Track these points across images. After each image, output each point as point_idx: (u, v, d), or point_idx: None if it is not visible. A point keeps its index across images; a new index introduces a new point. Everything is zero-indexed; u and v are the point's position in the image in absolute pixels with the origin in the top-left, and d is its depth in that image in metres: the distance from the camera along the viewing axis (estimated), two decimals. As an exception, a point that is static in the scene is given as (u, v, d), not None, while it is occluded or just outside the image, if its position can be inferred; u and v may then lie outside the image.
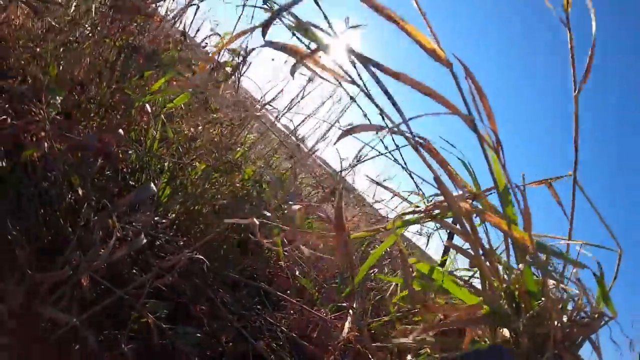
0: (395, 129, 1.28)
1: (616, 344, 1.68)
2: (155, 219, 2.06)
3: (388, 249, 3.57)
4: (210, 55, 2.93)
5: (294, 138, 3.71)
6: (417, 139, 1.36)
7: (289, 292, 2.49)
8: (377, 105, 1.28)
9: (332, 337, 2.05)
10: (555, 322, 1.47)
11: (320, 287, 2.79)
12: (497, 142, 1.43)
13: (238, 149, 3.02)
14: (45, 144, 1.58)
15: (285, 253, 2.76)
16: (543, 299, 1.50)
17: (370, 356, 1.91)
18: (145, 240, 1.37)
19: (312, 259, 3.08)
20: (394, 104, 1.27)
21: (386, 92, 1.26)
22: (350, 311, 1.91)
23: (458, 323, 1.53)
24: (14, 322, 1.31)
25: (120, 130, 1.87)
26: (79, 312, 1.37)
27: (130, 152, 2.22)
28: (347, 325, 1.83)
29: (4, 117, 1.64)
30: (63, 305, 1.35)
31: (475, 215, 1.47)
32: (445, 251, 4.32)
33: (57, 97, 1.68)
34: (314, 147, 3.56)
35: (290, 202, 3.02)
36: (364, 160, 3.73)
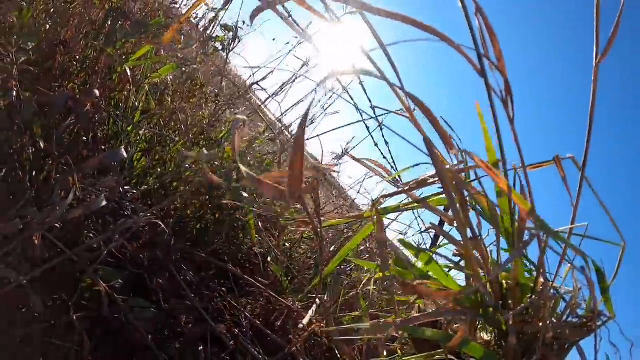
0: (380, 77, 1.17)
1: (615, 347, 1.57)
2: (126, 187, 1.97)
3: (368, 246, 3.51)
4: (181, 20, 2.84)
5: (279, 124, 3.62)
6: (406, 91, 1.24)
7: (260, 279, 2.41)
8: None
9: (297, 327, 1.98)
10: (547, 321, 1.37)
11: (293, 277, 2.71)
12: (506, 89, 1.30)
13: (222, 127, 2.93)
14: (14, 92, 1.48)
15: (259, 238, 2.69)
16: (534, 295, 1.40)
17: (336, 351, 1.83)
18: (105, 203, 1.27)
19: (287, 247, 3.01)
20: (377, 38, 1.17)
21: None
22: (317, 301, 1.83)
23: (436, 314, 1.43)
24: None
25: (96, 91, 1.77)
26: (28, 272, 1.28)
27: (105, 115, 2.12)
28: (309, 313, 1.75)
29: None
30: (11, 261, 1.26)
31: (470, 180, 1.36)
32: (434, 243, 4.26)
33: (29, 43, 1.58)
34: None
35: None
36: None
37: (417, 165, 1.72)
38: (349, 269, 3.32)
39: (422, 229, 4.25)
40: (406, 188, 1.50)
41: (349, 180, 4.32)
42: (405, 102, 1.27)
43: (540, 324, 1.38)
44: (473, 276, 1.39)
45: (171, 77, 2.73)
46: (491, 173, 1.34)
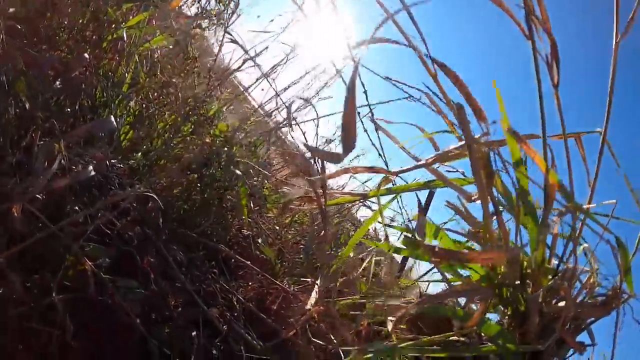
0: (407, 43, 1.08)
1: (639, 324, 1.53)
2: (113, 161, 1.85)
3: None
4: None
5: (260, 110, 3.51)
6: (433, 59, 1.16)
7: (249, 262, 2.31)
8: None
9: (294, 311, 1.89)
10: (570, 301, 1.31)
11: (283, 260, 2.63)
12: (552, 53, 1.21)
13: (213, 104, 2.82)
14: (-1, 51, 1.36)
15: (250, 220, 2.61)
16: (556, 275, 1.34)
17: (332, 336, 1.76)
18: (93, 173, 1.16)
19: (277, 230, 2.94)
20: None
21: None
22: (317, 284, 1.74)
23: (455, 293, 1.37)
24: None
25: (86, 55, 1.66)
26: (6, 249, 1.17)
27: (94, 83, 2.00)
28: (313, 297, 1.66)
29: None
30: (-13, 236, 1.15)
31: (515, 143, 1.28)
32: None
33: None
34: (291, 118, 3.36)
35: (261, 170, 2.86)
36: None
37: (443, 132, 1.64)
38: (339, 253, 3.26)
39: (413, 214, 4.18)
40: (424, 162, 1.41)
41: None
42: (430, 70, 1.18)
43: (562, 304, 1.33)
44: (494, 252, 1.32)
45: (163, 49, 2.61)
46: (530, 152, 1.27)
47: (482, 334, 1.41)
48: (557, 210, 1.36)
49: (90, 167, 1.18)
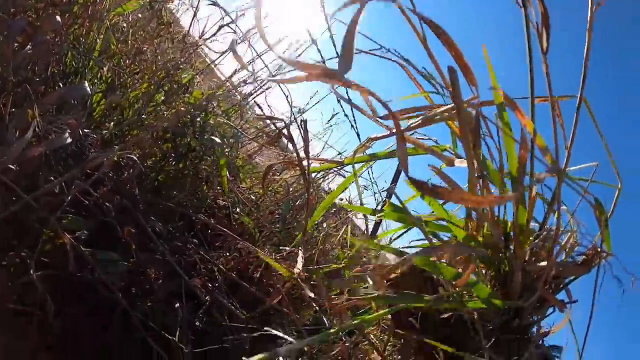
0: None
1: (620, 281, 1.63)
2: (86, 131, 1.79)
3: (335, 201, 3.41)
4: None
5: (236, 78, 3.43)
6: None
7: (226, 231, 2.28)
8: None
9: (276, 279, 1.87)
10: (553, 260, 1.34)
11: (261, 229, 2.60)
12: (543, 20, 1.20)
13: (187, 72, 2.75)
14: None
15: (227, 189, 2.57)
16: (538, 236, 1.36)
17: (312, 303, 1.74)
18: (69, 140, 1.11)
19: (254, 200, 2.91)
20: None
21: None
22: (300, 252, 1.72)
23: (441, 248, 1.37)
24: None
25: (58, 18, 1.58)
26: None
27: (64, 48, 1.92)
28: (299, 263, 1.64)
29: None
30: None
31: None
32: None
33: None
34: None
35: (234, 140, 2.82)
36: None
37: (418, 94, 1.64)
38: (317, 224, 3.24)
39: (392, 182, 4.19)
40: (408, 127, 1.38)
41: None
42: (418, 31, 1.15)
43: (543, 263, 1.35)
44: (478, 214, 1.33)
45: (136, 14, 2.53)
46: (517, 112, 1.26)
47: (466, 296, 1.42)
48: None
49: (66, 134, 1.12)
